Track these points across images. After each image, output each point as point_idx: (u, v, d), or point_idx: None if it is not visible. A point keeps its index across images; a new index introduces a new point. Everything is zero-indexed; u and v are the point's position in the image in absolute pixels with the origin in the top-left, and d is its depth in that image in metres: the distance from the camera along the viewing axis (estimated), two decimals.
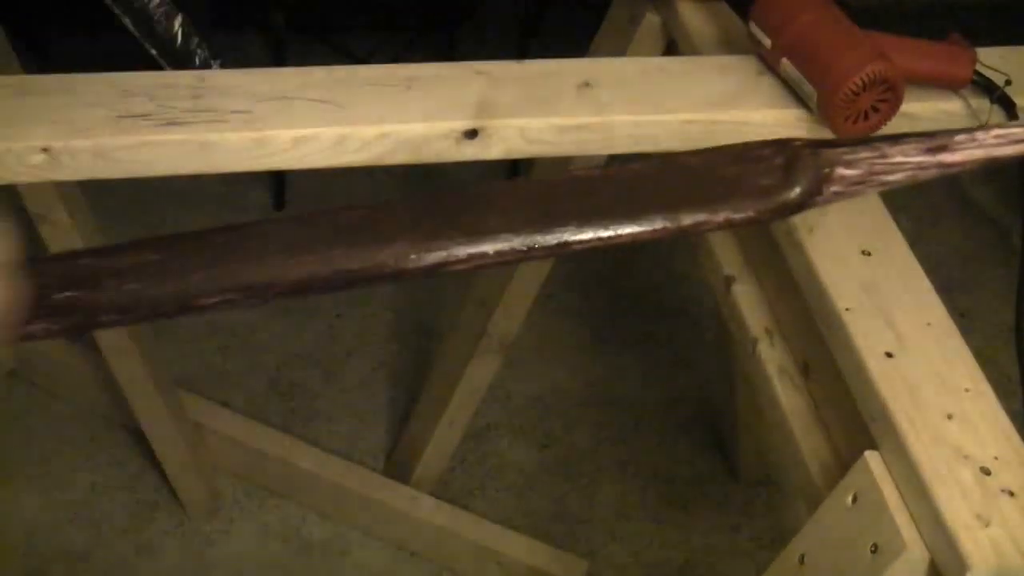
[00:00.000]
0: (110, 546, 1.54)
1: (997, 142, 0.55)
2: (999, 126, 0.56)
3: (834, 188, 0.54)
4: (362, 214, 0.50)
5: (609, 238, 0.51)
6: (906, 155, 0.54)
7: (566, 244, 0.50)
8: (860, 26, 0.80)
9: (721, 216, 0.52)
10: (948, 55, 0.83)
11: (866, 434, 0.69)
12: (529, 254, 0.50)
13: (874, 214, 0.80)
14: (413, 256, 0.48)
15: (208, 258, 0.46)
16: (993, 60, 0.83)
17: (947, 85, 0.83)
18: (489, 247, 0.49)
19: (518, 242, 0.49)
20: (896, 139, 0.55)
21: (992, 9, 2.15)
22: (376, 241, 0.48)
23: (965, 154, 0.55)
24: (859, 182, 0.54)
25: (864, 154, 0.54)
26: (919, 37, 0.84)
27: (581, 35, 1.16)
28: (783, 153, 0.53)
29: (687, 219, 0.51)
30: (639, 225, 0.51)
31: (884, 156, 0.54)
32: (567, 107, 0.77)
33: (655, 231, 0.51)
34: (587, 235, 0.50)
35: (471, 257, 0.49)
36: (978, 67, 0.83)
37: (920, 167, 0.55)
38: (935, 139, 0.55)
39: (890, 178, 0.55)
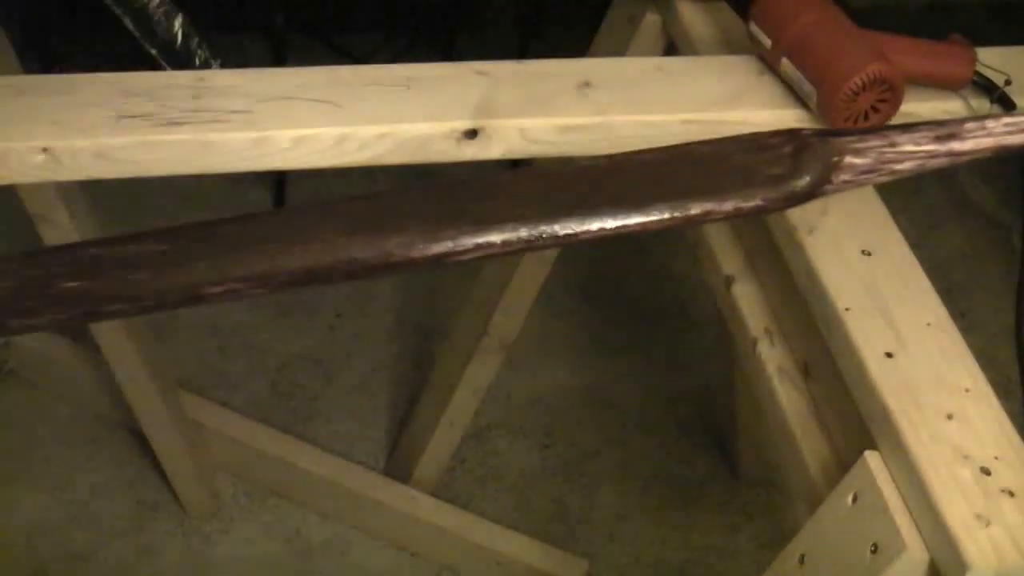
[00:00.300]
0: (110, 546, 1.54)
1: (1007, 130, 0.55)
2: (1009, 114, 0.56)
3: (844, 177, 0.54)
4: (369, 203, 0.50)
5: (617, 228, 0.50)
6: (916, 144, 0.54)
7: (574, 234, 0.50)
8: (860, 26, 0.80)
9: (729, 205, 0.52)
10: (948, 55, 0.83)
11: (866, 434, 0.69)
12: (536, 243, 0.50)
13: (874, 214, 0.80)
14: (420, 245, 0.48)
15: (214, 247, 0.45)
16: (993, 60, 0.83)
17: (947, 85, 0.83)
18: (496, 236, 0.49)
19: (525, 231, 0.49)
20: (906, 128, 0.55)
21: (992, 9, 2.15)
22: (383, 230, 0.48)
23: (975, 143, 0.55)
24: (869, 171, 0.54)
25: (874, 143, 0.54)
26: (919, 37, 0.84)
27: (581, 35, 1.16)
28: (792, 142, 0.53)
29: (695, 208, 0.51)
30: (647, 215, 0.50)
31: (894, 145, 0.54)
32: (567, 107, 0.77)
33: (663, 221, 0.51)
34: (595, 225, 0.50)
35: (478, 247, 0.49)
36: (978, 67, 0.83)
37: (930, 156, 0.54)
38: (945, 127, 0.55)
39: (900, 167, 0.54)
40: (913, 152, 0.54)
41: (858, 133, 0.54)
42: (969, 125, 0.55)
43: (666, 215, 0.51)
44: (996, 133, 0.55)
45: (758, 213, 0.53)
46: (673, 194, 0.51)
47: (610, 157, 0.54)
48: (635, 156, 0.54)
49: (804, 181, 0.53)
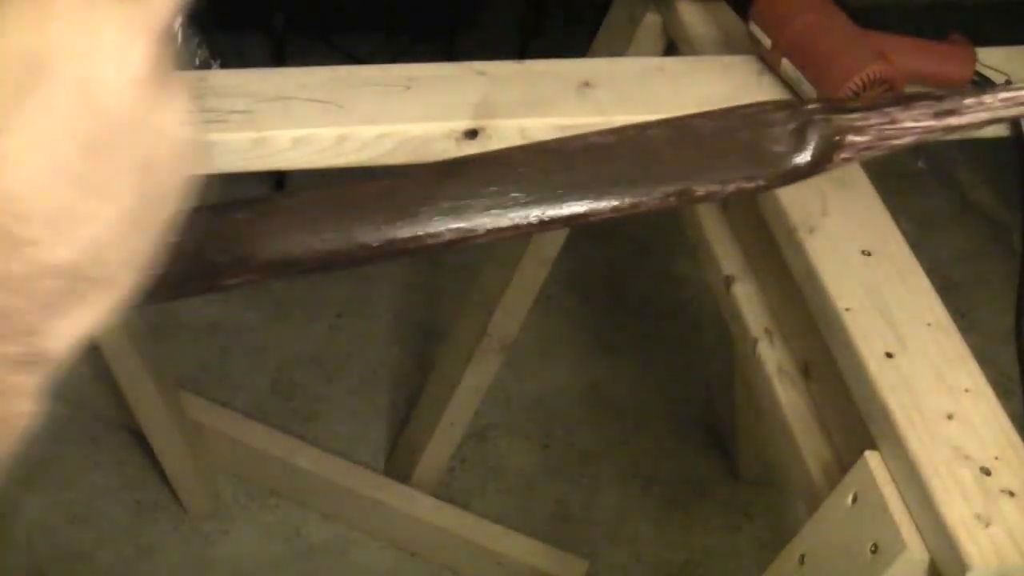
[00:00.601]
0: (111, 546, 1.54)
1: (1003, 105, 0.56)
2: (1005, 89, 0.56)
3: (844, 155, 0.54)
4: (379, 187, 0.50)
5: (623, 208, 0.51)
6: (915, 120, 0.55)
7: (584, 215, 0.50)
8: (860, 26, 0.81)
9: (732, 186, 0.52)
10: (948, 55, 0.83)
11: (866, 434, 0.69)
12: (548, 226, 0.50)
13: (874, 214, 0.80)
14: (432, 230, 0.48)
15: (232, 237, 0.45)
16: (993, 60, 0.84)
17: (947, 85, 0.83)
18: (507, 220, 0.49)
19: (536, 213, 0.49)
20: (906, 104, 0.55)
21: (992, 9, 2.15)
22: (395, 215, 0.48)
23: (971, 117, 0.55)
24: (868, 147, 0.54)
25: (875, 121, 0.54)
26: (919, 37, 0.84)
27: (581, 35, 1.16)
28: (796, 119, 0.54)
29: (700, 190, 0.52)
30: (654, 197, 0.51)
31: (894, 122, 0.54)
32: (567, 107, 0.77)
33: (668, 202, 0.51)
34: (603, 205, 0.50)
35: (490, 232, 0.49)
36: (978, 67, 0.83)
37: (927, 131, 0.55)
38: (944, 104, 0.55)
39: (898, 142, 0.55)
40: (912, 128, 0.55)
41: (860, 110, 0.54)
42: (968, 101, 0.56)
43: (672, 198, 0.52)
44: (993, 108, 0.56)
45: (758, 192, 0.54)
46: (679, 176, 0.52)
47: (618, 132, 0.54)
48: (643, 132, 0.54)
49: (806, 159, 0.54)
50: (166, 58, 0.30)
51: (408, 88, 0.77)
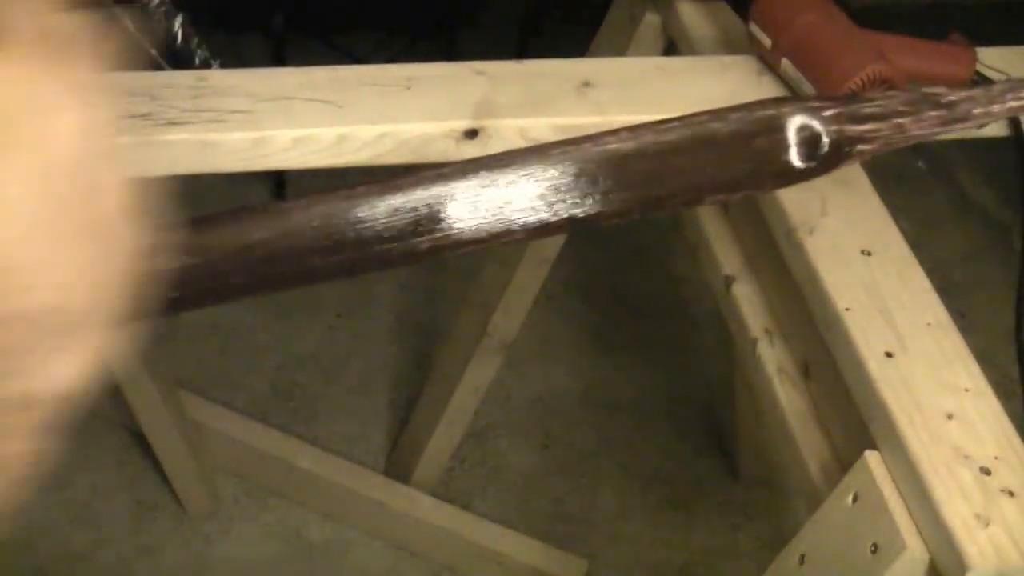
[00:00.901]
0: (110, 546, 1.54)
1: (1010, 112, 0.56)
2: (1013, 97, 0.56)
3: (848, 162, 0.55)
4: (389, 188, 0.50)
5: (632, 214, 0.51)
6: (923, 129, 0.55)
7: (590, 220, 0.50)
8: (860, 26, 0.80)
9: (740, 194, 0.53)
10: (948, 55, 0.83)
11: (866, 434, 0.69)
12: (554, 230, 0.50)
13: (874, 214, 0.80)
14: (447, 237, 0.48)
15: (251, 261, 0.46)
16: (993, 60, 0.84)
17: (947, 85, 0.83)
18: (518, 224, 0.49)
19: (545, 217, 0.49)
20: (916, 115, 0.55)
21: (992, 9, 2.15)
22: (411, 224, 0.48)
23: (975, 122, 0.56)
24: (870, 152, 0.55)
25: (885, 132, 0.55)
26: (919, 37, 0.84)
27: (581, 35, 1.16)
28: (810, 127, 0.54)
29: (710, 199, 0.52)
30: (665, 205, 0.51)
31: (903, 131, 0.55)
32: (567, 107, 0.77)
33: (676, 208, 0.52)
34: (613, 210, 0.50)
35: (503, 233, 0.49)
36: (978, 67, 0.83)
37: (931, 135, 0.55)
38: (954, 111, 0.55)
39: (900, 145, 0.55)
40: (917, 135, 0.55)
41: (873, 120, 0.55)
42: (977, 111, 0.56)
43: (678, 206, 0.52)
44: (1000, 115, 0.56)
45: (763, 194, 0.54)
46: (693, 184, 0.52)
47: (636, 136, 0.54)
48: (659, 138, 0.54)
49: (812, 167, 0.54)
50: (106, 109, 0.33)
51: (408, 88, 0.77)
